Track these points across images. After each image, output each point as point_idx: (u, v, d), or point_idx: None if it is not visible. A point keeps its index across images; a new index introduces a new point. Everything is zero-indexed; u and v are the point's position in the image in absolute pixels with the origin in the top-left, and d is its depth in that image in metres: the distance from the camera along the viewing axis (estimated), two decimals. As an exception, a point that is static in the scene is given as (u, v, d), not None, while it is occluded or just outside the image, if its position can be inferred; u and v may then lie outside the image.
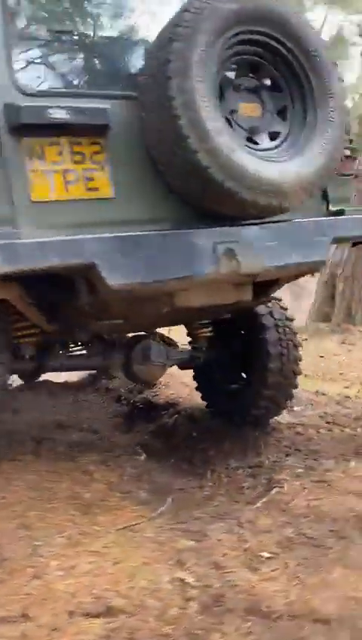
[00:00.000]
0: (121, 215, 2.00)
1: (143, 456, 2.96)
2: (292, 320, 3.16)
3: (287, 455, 2.82)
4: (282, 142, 2.12)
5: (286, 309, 3.15)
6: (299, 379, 3.94)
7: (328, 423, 3.43)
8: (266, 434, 3.17)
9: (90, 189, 1.94)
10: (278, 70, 2.12)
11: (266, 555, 1.95)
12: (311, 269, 2.41)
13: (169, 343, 3.36)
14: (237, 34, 1.98)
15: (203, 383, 3.55)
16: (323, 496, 2.38)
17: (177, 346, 3.35)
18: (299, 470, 2.64)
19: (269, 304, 3.06)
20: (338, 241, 2.46)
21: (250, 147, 2.03)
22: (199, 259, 1.99)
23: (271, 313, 3.05)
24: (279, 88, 2.15)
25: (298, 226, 2.27)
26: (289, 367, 3.08)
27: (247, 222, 2.14)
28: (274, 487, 2.49)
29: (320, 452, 2.91)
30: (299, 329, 6.37)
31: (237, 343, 3.26)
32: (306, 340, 5.98)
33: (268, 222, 2.18)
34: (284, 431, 3.21)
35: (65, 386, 4.89)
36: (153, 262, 1.90)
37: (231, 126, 2.02)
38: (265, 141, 2.10)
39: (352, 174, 2.64)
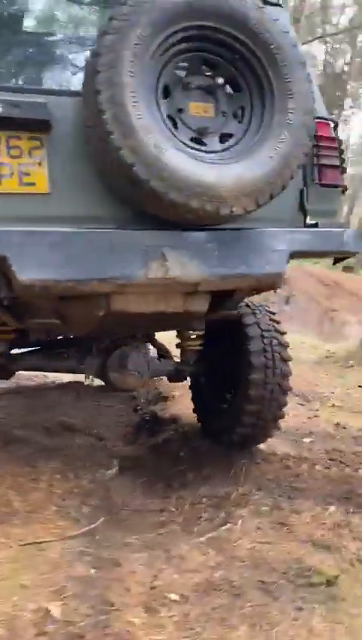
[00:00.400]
0: (57, 211, 1.92)
1: (114, 470, 2.84)
2: (283, 333, 2.91)
3: (259, 489, 2.57)
4: (234, 144, 1.95)
5: (278, 322, 2.92)
6: (325, 410, 3.66)
7: (332, 459, 3.11)
8: (255, 463, 2.93)
9: (25, 184, 1.87)
10: (237, 69, 1.95)
11: (173, 597, 1.77)
12: (264, 282, 2.17)
13: (162, 353, 3.23)
14: (185, 29, 1.84)
15: (195, 399, 3.37)
16: (274, 540, 2.14)
17: (171, 357, 3.21)
18: (264, 508, 2.40)
19: (258, 315, 2.87)
20: (299, 255, 2.22)
21: (192, 147, 1.88)
22: (127, 262, 1.87)
23: (257, 323, 2.84)
24: (238, 88, 1.98)
25: (248, 235, 2.09)
26: (275, 380, 2.80)
27: (195, 228, 1.99)
28: (229, 522, 2.28)
29: (302, 491, 2.64)
30: (347, 356, 6.05)
31: (225, 357, 3.06)
32: (351, 366, 5.59)
33: (219, 229, 2.01)
34: (275, 463, 2.95)
35: (95, 389, 4.89)
36: (71, 260, 1.80)
37: (176, 125, 1.89)
38: (213, 143, 1.94)
39: (339, 186, 2.43)
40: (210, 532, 2.23)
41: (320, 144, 2.35)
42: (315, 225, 2.31)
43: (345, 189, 2.49)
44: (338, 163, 2.38)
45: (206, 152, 1.91)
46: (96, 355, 2.86)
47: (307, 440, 3.42)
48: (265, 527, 2.23)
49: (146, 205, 1.90)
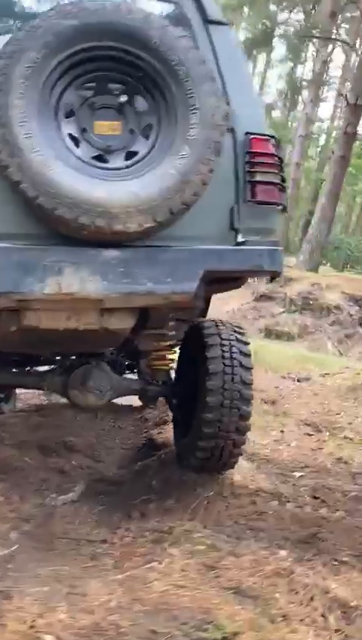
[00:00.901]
0: None
1: (70, 496, 2.77)
2: (246, 343, 2.79)
3: (206, 527, 2.40)
4: (139, 161, 1.96)
5: (241, 333, 2.82)
6: (334, 441, 3.42)
7: (315, 498, 2.86)
8: (221, 497, 2.75)
9: None
10: (144, 86, 1.98)
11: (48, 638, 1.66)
12: (172, 301, 2.13)
13: (146, 375, 3.14)
14: (85, 50, 1.89)
15: (173, 421, 3.26)
16: (193, 585, 1.97)
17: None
18: (200, 547, 2.22)
19: (220, 326, 2.80)
20: (214, 274, 2.19)
21: (93, 165, 1.91)
22: (27, 277, 1.90)
23: (219, 334, 2.75)
24: (146, 105, 2.01)
25: (159, 252, 2.09)
26: (235, 387, 2.66)
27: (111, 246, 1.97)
28: (155, 561, 2.13)
29: (257, 531, 2.44)
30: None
31: (190, 375, 2.92)
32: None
33: (133, 246, 2.00)
34: (243, 497, 2.75)
35: (112, 408, 4.87)
36: None
37: (78, 144, 1.92)
38: (118, 160, 1.95)
39: (276, 204, 2.35)
40: (133, 569, 2.09)
41: (254, 160, 2.30)
42: (244, 243, 2.21)
43: (283, 207, 2.41)
44: (275, 180, 2.32)
45: (107, 169, 1.93)
46: (58, 372, 2.85)
47: (297, 474, 3.18)
48: (190, 569, 2.06)
49: (42, 221, 1.91)
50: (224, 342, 2.73)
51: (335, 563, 2.23)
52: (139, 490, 3.00)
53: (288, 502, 2.76)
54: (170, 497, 2.81)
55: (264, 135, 2.35)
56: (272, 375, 5.73)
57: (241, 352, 2.75)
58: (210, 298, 3.29)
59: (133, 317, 2.28)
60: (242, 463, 3.16)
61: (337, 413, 4.34)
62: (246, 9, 27.17)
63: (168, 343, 2.98)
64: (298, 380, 5.45)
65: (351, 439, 3.82)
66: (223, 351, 2.72)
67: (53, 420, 4.55)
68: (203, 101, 2.00)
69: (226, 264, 2.22)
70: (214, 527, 2.43)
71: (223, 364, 2.69)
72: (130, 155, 1.98)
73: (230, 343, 2.75)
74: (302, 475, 3.17)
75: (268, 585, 2.02)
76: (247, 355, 2.77)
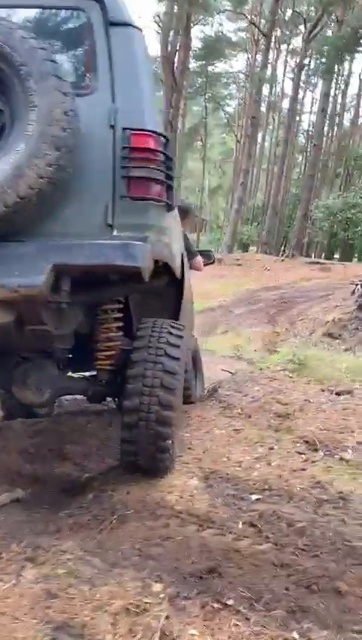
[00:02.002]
0: None
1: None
2: (178, 336, 2.84)
3: (85, 550, 2.16)
4: None
5: (178, 328, 2.89)
6: (324, 464, 3.09)
7: (252, 526, 2.48)
8: (138, 517, 2.49)
9: None
10: None
11: None
12: (21, 294, 2.16)
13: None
14: None
15: None
16: (14, 614, 1.76)
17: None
18: (60, 571, 2.00)
19: (159, 322, 2.89)
20: (66, 268, 2.23)
21: None
22: None
23: (152, 327, 2.85)
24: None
25: (6, 247, 2.20)
26: (157, 374, 2.68)
27: None
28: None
29: (145, 558, 2.16)
30: None
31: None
32: None
33: None
34: (161, 518, 2.47)
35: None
36: None
37: None
38: None
39: (154, 200, 2.39)
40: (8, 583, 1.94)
41: (131, 156, 2.35)
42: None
43: (165, 203, 2.43)
44: (153, 176, 2.36)
45: None
46: (4, 369, 2.91)
47: (254, 497, 2.80)
48: (27, 595, 1.85)
49: None
50: (154, 334, 2.79)
51: (216, 606, 1.89)
52: (76, 503, 2.83)
53: (211, 528, 2.42)
54: (91, 513, 2.60)
55: (144, 131, 2.38)
56: (313, 387, 5.22)
57: (169, 343, 2.78)
58: (172, 296, 3.29)
59: (6, 312, 2.29)
60: (191, 481, 2.88)
61: (352, 431, 3.80)
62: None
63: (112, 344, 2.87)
64: (337, 394, 4.90)
65: (346, 461, 3.30)
66: (150, 342, 2.77)
67: (61, 426, 4.52)
68: (43, 98, 2.12)
69: (76, 259, 2.22)
70: (98, 549, 2.19)
71: (147, 352, 2.74)
72: None
73: (159, 335, 2.79)
74: (258, 499, 2.78)
75: (106, 622, 1.75)
76: (175, 345, 2.79)
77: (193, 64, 26.88)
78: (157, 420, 2.68)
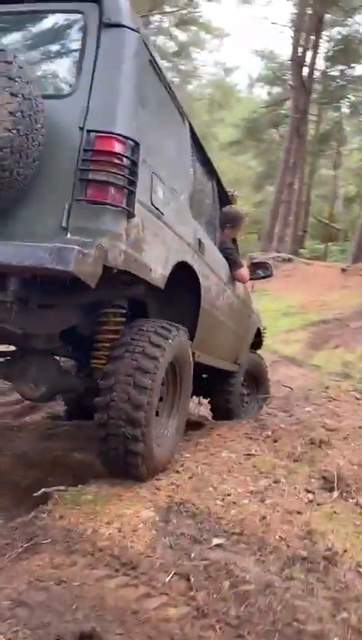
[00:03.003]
0: None
1: None
2: (164, 337, 2.77)
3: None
4: None
5: (168, 329, 2.84)
6: (333, 508, 2.64)
7: (176, 575, 1.97)
8: (46, 546, 2.09)
9: None
10: None
11: None
12: None
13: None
14: None
15: None
16: None
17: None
18: None
19: (150, 321, 2.91)
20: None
21: None
22: None
23: (140, 327, 2.82)
24: None
25: None
26: (129, 372, 2.62)
27: None
28: None
29: None
30: None
31: None
32: None
33: None
34: (62, 555, 2.03)
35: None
36: None
37: None
38: None
39: (112, 205, 2.30)
40: None
41: (91, 158, 2.31)
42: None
43: (123, 209, 2.34)
44: (112, 180, 2.30)
45: None
46: (7, 363, 2.99)
47: (214, 542, 2.25)
48: None
49: None
50: (137, 332, 2.75)
51: None
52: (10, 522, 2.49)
53: (126, 576, 1.95)
54: (12, 535, 2.25)
55: (110, 134, 2.32)
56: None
57: (150, 342, 2.71)
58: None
59: None
60: (145, 512, 2.41)
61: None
62: None
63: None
64: None
65: (361, 508, 2.60)
66: (131, 340, 2.73)
67: (80, 432, 4.23)
68: None
69: (9, 259, 2.18)
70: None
71: (125, 350, 2.68)
72: None
73: (143, 334, 2.74)
74: (218, 545, 2.23)
75: None
76: (156, 345, 2.71)
77: (327, 67, 25.62)
78: (127, 419, 2.58)
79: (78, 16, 2.58)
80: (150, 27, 29.69)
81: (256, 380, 5.59)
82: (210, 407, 5.39)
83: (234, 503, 2.61)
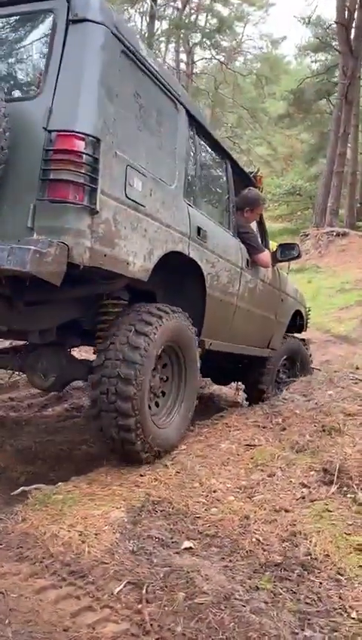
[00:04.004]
0: None
1: None
2: (148, 323, 2.81)
3: None
4: None
5: (164, 311, 2.93)
6: (329, 503, 2.46)
7: (130, 584, 1.80)
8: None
9: None
10: None
11: None
12: None
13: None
14: None
15: None
16: None
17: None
18: None
19: (148, 305, 2.96)
20: None
21: None
22: None
23: (137, 310, 2.91)
24: None
25: None
26: (120, 347, 2.72)
27: None
28: None
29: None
30: None
31: None
32: None
33: None
34: (11, 561, 1.90)
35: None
36: None
37: None
38: None
39: (73, 203, 2.30)
40: None
41: (52, 157, 2.31)
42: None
43: (85, 207, 2.32)
44: (72, 178, 2.29)
45: None
46: (20, 354, 3.12)
47: (185, 545, 2.07)
48: None
49: None
50: (131, 313, 2.86)
51: None
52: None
53: (70, 586, 1.80)
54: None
55: (70, 132, 2.31)
56: None
57: (142, 320, 2.81)
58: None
59: None
60: (114, 512, 2.27)
61: None
62: None
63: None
64: None
65: (358, 505, 2.33)
66: (123, 319, 2.84)
67: (88, 424, 4.13)
68: None
69: None
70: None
71: (117, 328, 2.80)
72: None
73: (136, 314, 2.85)
74: (187, 549, 2.05)
75: None
76: (147, 323, 2.80)
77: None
78: (117, 392, 2.67)
79: (48, 15, 2.54)
80: (191, 4, 29.07)
81: (297, 365, 5.36)
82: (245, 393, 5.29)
83: (217, 500, 2.42)
